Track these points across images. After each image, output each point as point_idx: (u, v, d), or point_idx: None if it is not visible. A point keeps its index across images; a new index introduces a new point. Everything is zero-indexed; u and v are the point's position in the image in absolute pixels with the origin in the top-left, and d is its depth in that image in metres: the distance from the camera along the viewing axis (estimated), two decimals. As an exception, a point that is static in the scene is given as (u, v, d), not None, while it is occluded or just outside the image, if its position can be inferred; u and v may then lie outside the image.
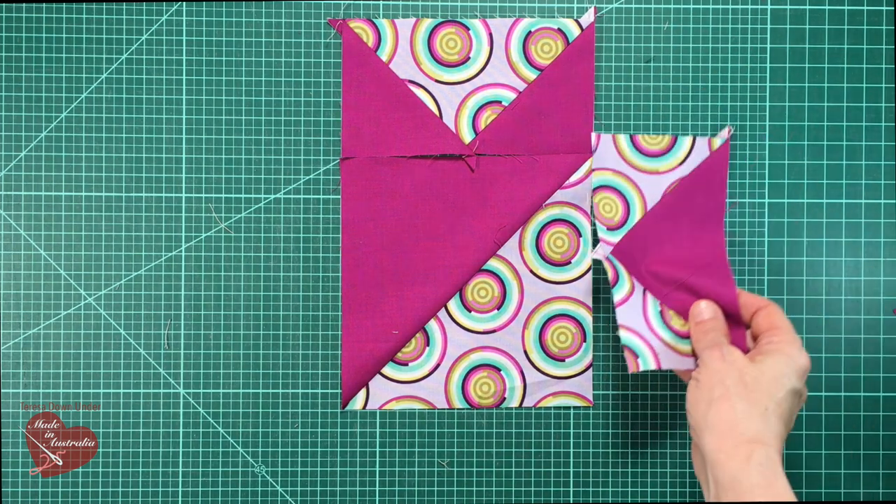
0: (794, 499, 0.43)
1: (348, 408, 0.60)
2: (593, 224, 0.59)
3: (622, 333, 0.55)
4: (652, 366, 0.54)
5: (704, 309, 0.53)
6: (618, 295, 0.56)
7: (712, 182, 0.57)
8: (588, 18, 0.59)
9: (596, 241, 0.59)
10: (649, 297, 0.56)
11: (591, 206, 0.58)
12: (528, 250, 0.60)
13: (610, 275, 0.57)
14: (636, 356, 0.54)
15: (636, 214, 0.58)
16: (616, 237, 0.58)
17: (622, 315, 0.56)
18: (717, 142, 0.58)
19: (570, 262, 0.60)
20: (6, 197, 0.59)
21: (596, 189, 0.58)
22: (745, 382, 0.46)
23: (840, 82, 0.60)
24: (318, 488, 0.60)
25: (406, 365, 0.60)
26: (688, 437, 0.60)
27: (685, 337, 0.55)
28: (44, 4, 0.59)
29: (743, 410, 0.45)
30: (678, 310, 0.55)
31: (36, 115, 0.59)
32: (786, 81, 0.60)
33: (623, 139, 0.58)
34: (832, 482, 0.60)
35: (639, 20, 0.60)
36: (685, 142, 0.58)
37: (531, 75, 0.59)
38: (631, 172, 0.58)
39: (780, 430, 0.45)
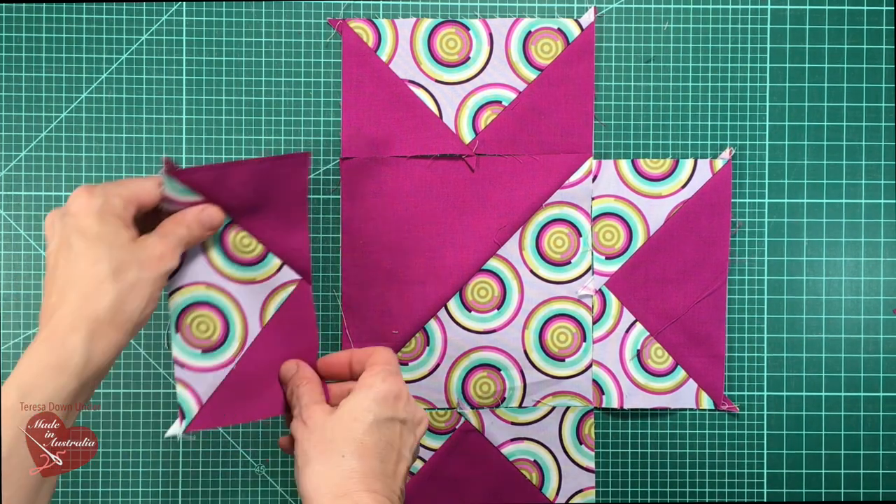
0: None
1: (348, 408, 0.60)
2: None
3: (594, 368, 0.59)
4: (615, 404, 0.59)
5: (286, 370, 0.50)
6: (598, 332, 0.60)
7: (716, 204, 0.59)
8: (588, 18, 0.59)
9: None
10: (630, 336, 0.59)
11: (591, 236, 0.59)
12: (528, 250, 0.60)
13: (596, 310, 0.59)
14: (602, 392, 0.59)
15: (638, 240, 0.59)
16: (615, 266, 0.59)
17: (598, 352, 0.60)
18: (719, 163, 0.59)
19: (570, 262, 0.60)
20: (6, 197, 0.59)
21: (596, 218, 0.59)
22: (325, 438, 0.44)
23: (840, 82, 0.60)
24: (318, 488, 0.60)
25: (406, 365, 0.60)
26: (688, 437, 0.60)
27: (662, 375, 0.59)
28: (44, 4, 0.59)
29: (320, 471, 0.43)
30: (667, 345, 0.59)
31: (36, 115, 0.59)
32: (786, 81, 0.60)
33: (624, 164, 0.59)
34: (832, 482, 0.60)
35: (639, 20, 0.60)
36: (687, 164, 0.59)
37: (531, 75, 0.59)
38: (633, 197, 0.59)
39: (374, 467, 0.43)
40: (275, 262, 0.52)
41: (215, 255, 0.50)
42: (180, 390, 0.51)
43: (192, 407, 0.51)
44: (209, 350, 0.52)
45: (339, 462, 0.42)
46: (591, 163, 0.59)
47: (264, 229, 0.52)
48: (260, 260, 0.52)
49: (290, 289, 0.53)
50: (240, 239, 0.51)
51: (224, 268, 0.51)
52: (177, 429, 0.51)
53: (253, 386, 0.53)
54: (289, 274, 0.53)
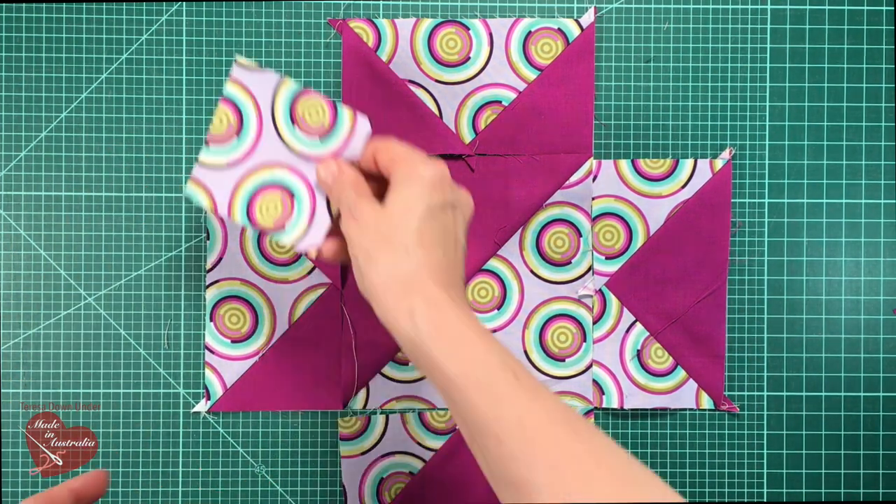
0: (474, 325, 0.39)
1: (348, 407, 0.60)
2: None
3: (595, 369, 0.59)
4: (615, 404, 0.59)
5: (324, 175, 0.47)
6: (598, 332, 0.60)
7: (716, 204, 0.59)
8: (588, 18, 0.59)
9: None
10: (630, 336, 0.59)
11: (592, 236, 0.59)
12: (528, 250, 0.60)
13: (596, 310, 0.59)
14: (602, 392, 0.59)
15: (638, 240, 0.59)
16: (615, 266, 0.59)
17: (598, 352, 0.60)
18: (719, 163, 0.59)
19: (570, 262, 0.60)
20: (6, 197, 0.59)
21: (596, 218, 0.59)
22: (381, 233, 0.42)
23: (840, 82, 0.60)
24: (318, 488, 0.60)
25: (406, 364, 0.60)
26: (688, 437, 0.60)
27: (662, 375, 0.59)
28: (44, 4, 0.59)
29: (385, 268, 0.41)
30: (667, 345, 0.59)
31: (36, 115, 0.59)
32: (786, 81, 0.60)
33: (624, 164, 0.59)
34: (832, 482, 0.60)
35: (639, 20, 0.60)
36: (687, 164, 0.59)
37: (531, 75, 0.59)
38: (633, 197, 0.59)
39: (437, 257, 0.41)
40: (307, 264, 0.57)
41: (252, 253, 0.55)
42: (208, 374, 0.58)
43: (217, 390, 0.58)
44: (238, 341, 0.58)
45: (403, 257, 0.41)
46: (591, 163, 0.59)
47: None
48: (294, 261, 0.57)
49: (321, 291, 0.58)
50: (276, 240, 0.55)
51: (259, 266, 0.56)
52: (202, 407, 0.58)
53: (276, 379, 0.59)
54: (320, 277, 0.57)
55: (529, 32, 0.59)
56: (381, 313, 0.41)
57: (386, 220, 0.42)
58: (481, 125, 0.59)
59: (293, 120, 0.49)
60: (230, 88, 0.49)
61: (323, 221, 0.48)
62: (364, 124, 0.48)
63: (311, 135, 0.49)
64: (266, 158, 0.50)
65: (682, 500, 0.35)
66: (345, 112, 0.48)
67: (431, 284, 0.40)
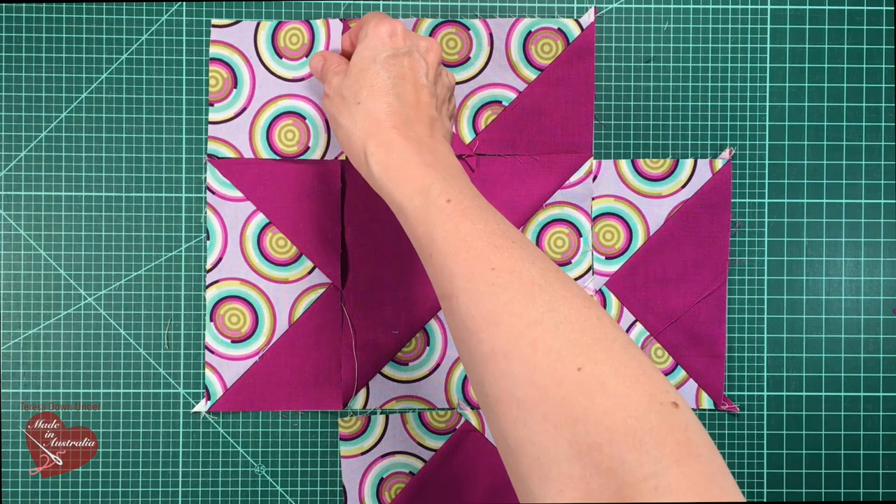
0: (424, 158, 0.42)
1: (348, 407, 0.60)
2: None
3: None
4: None
5: (314, 65, 0.53)
6: None
7: (716, 204, 0.59)
8: (588, 18, 0.59)
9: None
10: (631, 336, 0.59)
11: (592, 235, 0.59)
12: (528, 250, 0.60)
13: None
14: None
15: (638, 240, 0.59)
16: (615, 266, 0.59)
17: None
18: (719, 163, 0.59)
19: (570, 262, 0.60)
20: (6, 197, 0.59)
21: (596, 218, 0.59)
22: (341, 97, 0.46)
23: (840, 82, 0.60)
24: (318, 488, 0.60)
25: (406, 365, 0.60)
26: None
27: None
28: (44, 4, 0.59)
29: (345, 122, 0.45)
30: (667, 345, 0.59)
31: (36, 115, 0.59)
32: (786, 81, 0.60)
33: (624, 164, 0.59)
34: (832, 482, 0.60)
35: (639, 20, 0.60)
36: (687, 164, 0.59)
37: (531, 75, 0.59)
38: (633, 197, 0.59)
39: (389, 102, 0.44)
40: (307, 264, 0.57)
41: (252, 253, 0.55)
42: (208, 374, 0.58)
43: (217, 390, 0.58)
44: (238, 341, 0.59)
45: (355, 109, 0.45)
46: (591, 163, 0.59)
47: (300, 232, 0.56)
48: (294, 261, 0.57)
49: (321, 291, 0.58)
50: (276, 240, 0.58)
51: (259, 266, 0.57)
52: (202, 407, 0.59)
53: (276, 379, 0.59)
54: (320, 277, 0.58)
55: (529, 32, 0.59)
56: (354, 165, 0.46)
57: (345, 84, 0.47)
58: (481, 125, 0.59)
59: (279, 54, 0.56)
60: (214, 50, 0.57)
61: None
62: (336, 24, 0.55)
63: (297, 59, 0.56)
64: (267, 97, 0.57)
65: (590, 301, 0.37)
66: (318, 24, 0.55)
67: (387, 128, 0.43)
